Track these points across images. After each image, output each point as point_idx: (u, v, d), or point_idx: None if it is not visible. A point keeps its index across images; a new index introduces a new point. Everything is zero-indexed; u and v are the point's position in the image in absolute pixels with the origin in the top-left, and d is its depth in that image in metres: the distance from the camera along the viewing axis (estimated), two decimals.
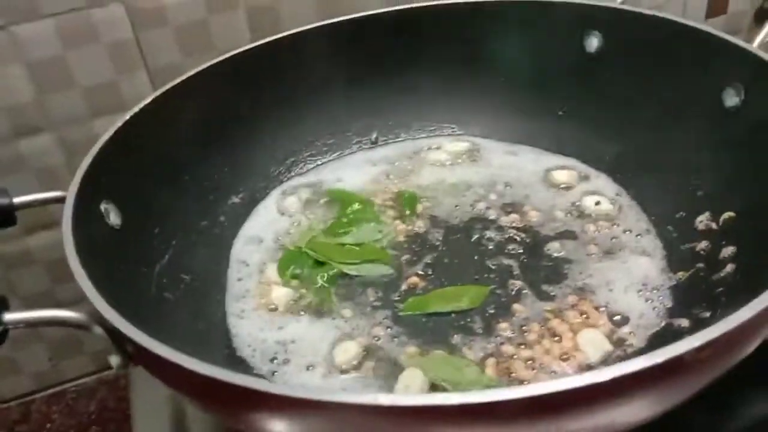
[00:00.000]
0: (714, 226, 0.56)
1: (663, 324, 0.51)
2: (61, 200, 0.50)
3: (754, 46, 0.58)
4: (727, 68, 0.58)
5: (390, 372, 0.50)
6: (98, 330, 0.40)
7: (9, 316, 0.41)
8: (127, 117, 0.59)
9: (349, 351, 0.52)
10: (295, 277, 0.60)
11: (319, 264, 0.61)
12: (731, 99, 0.58)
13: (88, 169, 0.52)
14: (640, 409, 0.35)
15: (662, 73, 0.63)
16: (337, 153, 0.77)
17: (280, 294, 0.58)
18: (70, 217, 0.47)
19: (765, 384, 0.49)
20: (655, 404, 0.36)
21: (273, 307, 0.57)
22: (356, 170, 0.74)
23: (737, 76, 0.57)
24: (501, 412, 0.31)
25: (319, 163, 0.76)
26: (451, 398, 0.31)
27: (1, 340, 0.41)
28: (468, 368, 0.48)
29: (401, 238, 0.63)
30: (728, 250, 0.53)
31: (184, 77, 0.66)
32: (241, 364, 0.52)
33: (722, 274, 0.52)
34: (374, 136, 0.78)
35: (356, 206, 0.67)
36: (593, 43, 0.69)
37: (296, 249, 0.63)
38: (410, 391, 0.47)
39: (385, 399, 0.31)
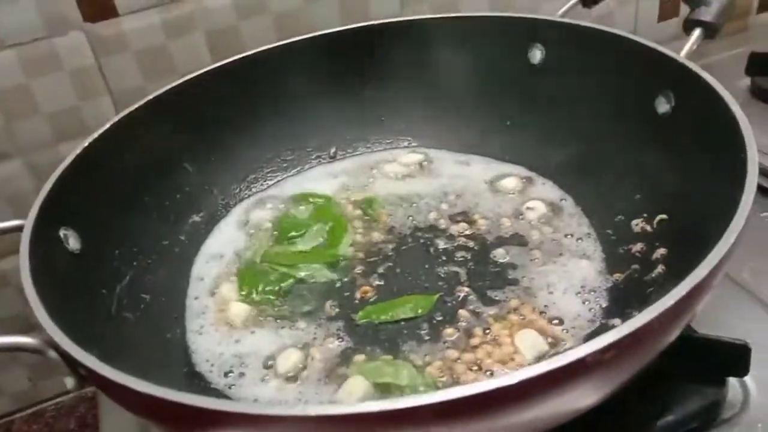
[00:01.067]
0: (649, 228, 0.59)
1: (598, 324, 0.54)
2: (20, 229, 0.52)
3: (682, 55, 0.61)
4: (657, 76, 0.61)
5: (343, 381, 0.53)
6: (53, 354, 0.42)
7: None
8: (86, 143, 0.61)
9: (290, 358, 0.54)
10: (251, 293, 0.62)
11: (276, 276, 0.63)
12: (663, 106, 0.61)
13: (45, 198, 0.54)
14: (553, 408, 0.37)
15: (600, 82, 0.66)
16: (297, 168, 0.79)
17: (238, 309, 0.60)
18: (27, 245, 0.49)
19: (695, 379, 0.52)
20: (570, 402, 0.38)
21: (231, 322, 0.59)
22: (316, 183, 0.76)
23: (667, 84, 0.60)
24: (414, 417, 0.33)
25: (280, 178, 0.78)
26: (372, 406, 0.33)
27: None
28: (406, 370, 0.51)
29: (357, 250, 0.66)
30: (660, 252, 0.56)
31: (143, 101, 0.68)
32: (199, 380, 0.54)
33: (653, 275, 0.55)
34: (333, 150, 0.80)
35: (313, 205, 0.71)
36: (536, 55, 0.71)
37: (253, 263, 0.65)
38: (353, 398, 0.49)
39: (312, 410, 0.34)
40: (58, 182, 0.56)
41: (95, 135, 0.62)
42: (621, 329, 0.35)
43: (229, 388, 0.53)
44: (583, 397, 0.39)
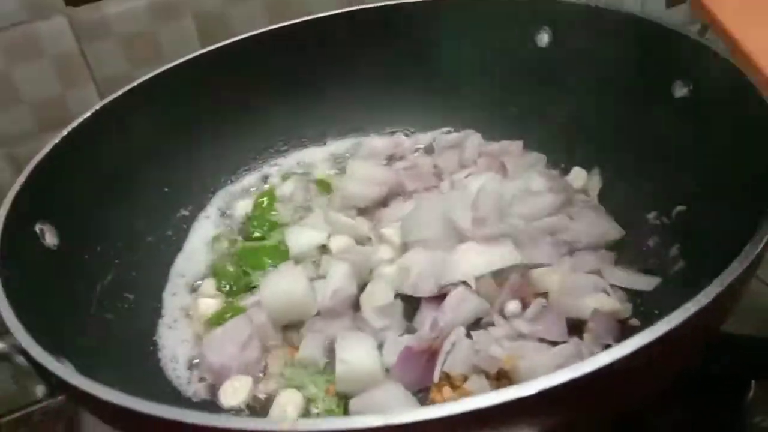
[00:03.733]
0: (666, 221, 0.56)
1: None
2: None
3: None
4: (675, 59, 0.57)
5: None
6: (21, 360, 0.39)
7: None
8: (65, 132, 0.57)
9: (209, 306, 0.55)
10: (222, 289, 0.60)
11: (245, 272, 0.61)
12: (680, 90, 0.57)
13: (20, 190, 0.50)
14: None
15: (612, 65, 0.62)
16: (292, 156, 0.75)
17: (207, 306, 0.58)
18: None
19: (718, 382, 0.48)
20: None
21: (201, 319, 0.57)
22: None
23: (685, 67, 0.56)
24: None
25: (271, 167, 0.74)
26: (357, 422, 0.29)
27: None
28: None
29: None
30: (677, 247, 0.53)
31: (127, 88, 0.64)
32: (169, 384, 0.52)
33: (674, 271, 0.51)
34: (327, 140, 0.76)
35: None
36: (544, 38, 0.67)
37: (227, 258, 0.63)
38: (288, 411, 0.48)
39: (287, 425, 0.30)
40: (35, 173, 0.53)
41: (75, 123, 0.59)
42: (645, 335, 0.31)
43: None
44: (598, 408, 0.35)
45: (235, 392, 0.50)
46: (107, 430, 0.57)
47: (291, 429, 0.29)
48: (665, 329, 0.31)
